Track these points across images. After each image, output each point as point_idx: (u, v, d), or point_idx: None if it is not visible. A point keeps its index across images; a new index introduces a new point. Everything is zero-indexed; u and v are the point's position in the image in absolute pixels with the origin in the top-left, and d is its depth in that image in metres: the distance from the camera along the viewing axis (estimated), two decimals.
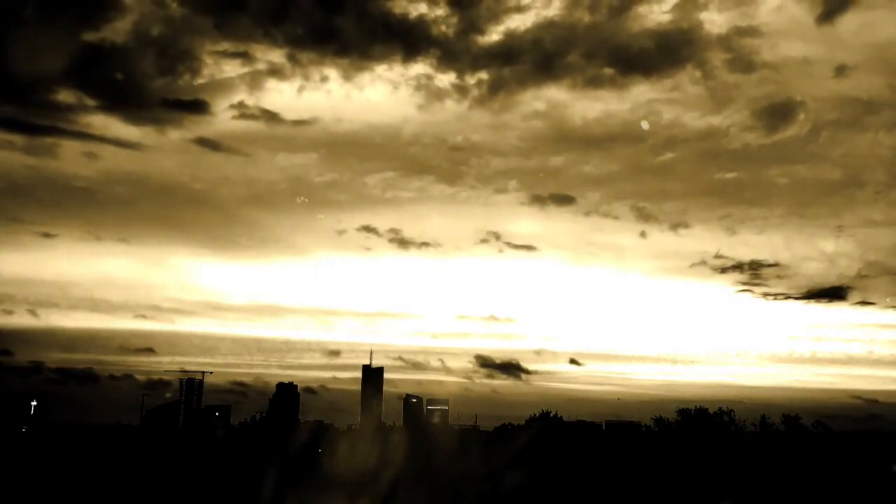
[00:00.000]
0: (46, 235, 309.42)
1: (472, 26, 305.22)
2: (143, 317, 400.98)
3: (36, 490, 58.58)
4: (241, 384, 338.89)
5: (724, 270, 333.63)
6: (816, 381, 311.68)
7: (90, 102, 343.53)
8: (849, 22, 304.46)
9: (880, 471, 63.85)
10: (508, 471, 65.00)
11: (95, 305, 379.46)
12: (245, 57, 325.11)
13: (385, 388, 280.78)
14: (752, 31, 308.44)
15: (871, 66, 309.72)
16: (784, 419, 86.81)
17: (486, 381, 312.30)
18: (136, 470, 74.00)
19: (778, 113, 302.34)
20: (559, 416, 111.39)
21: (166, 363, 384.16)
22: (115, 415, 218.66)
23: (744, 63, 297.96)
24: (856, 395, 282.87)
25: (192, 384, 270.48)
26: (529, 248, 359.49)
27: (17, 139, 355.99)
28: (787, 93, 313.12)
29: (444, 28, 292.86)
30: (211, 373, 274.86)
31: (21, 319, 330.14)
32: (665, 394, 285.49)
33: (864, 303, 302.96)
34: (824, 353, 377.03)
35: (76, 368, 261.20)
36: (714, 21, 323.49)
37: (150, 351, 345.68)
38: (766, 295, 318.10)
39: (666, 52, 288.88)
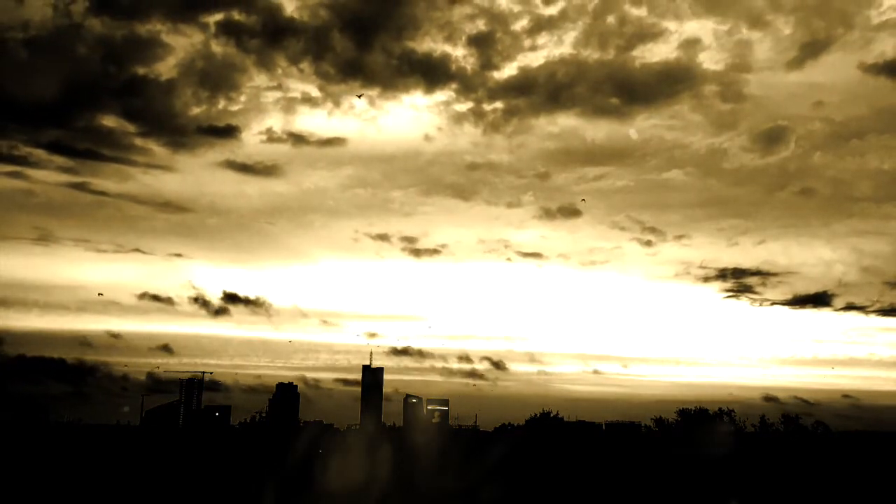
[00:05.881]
0: (75, 246, 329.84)
1: (489, 63, 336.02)
2: (151, 319, 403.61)
3: (37, 489, 58.66)
4: (243, 385, 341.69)
5: (723, 277, 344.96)
6: (817, 382, 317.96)
7: (130, 128, 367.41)
8: (833, 57, 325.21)
9: (879, 470, 63.98)
10: (506, 475, 65.02)
11: (104, 308, 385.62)
12: (279, 90, 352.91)
13: (385, 388, 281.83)
14: (745, 68, 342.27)
15: (857, 96, 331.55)
16: (784, 419, 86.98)
17: (486, 381, 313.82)
18: (135, 470, 74.03)
19: (772, 138, 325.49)
20: (559, 416, 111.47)
21: (172, 364, 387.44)
22: (116, 415, 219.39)
23: (737, 94, 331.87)
24: (854, 395, 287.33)
25: (192, 384, 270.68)
26: (536, 255, 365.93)
27: (59, 160, 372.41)
28: (781, 120, 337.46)
29: (463, 65, 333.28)
30: (211, 373, 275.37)
31: (32, 321, 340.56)
32: (665, 394, 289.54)
33: (854, 307, 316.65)
34: (824, 355, 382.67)
35: (79, 368, 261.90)
36: (712, 59, 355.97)
37: (154, 352, 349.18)
38: (763, 301, 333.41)
39: (666, 85, 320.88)
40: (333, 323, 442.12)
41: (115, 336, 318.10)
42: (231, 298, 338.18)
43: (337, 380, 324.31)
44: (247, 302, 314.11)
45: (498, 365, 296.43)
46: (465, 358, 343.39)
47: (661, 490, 62.29)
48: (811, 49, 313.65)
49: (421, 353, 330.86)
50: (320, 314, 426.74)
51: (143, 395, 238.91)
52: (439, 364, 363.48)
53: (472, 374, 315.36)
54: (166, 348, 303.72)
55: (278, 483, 60.18)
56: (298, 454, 76.41)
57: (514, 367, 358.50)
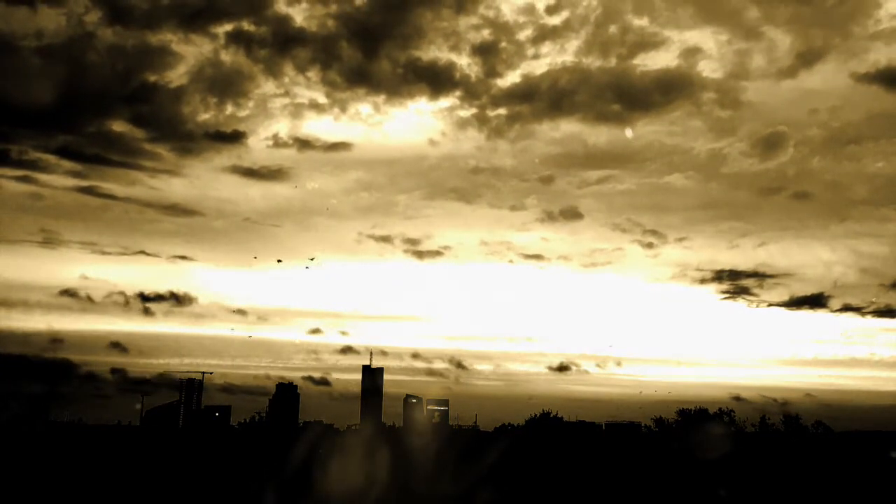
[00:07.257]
0: (81, 249, 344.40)
1: (493, 71, 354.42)
2: (153, 320, 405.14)
3: (37, 490, 58.64)
4: (243, 385, 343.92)
5: (720, 279, 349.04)
6: (817, 382, 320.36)
7: (139, 134, 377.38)
8: (828, 66, 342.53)
9: (879, 469, 63.98)
10: (506, 475, 64.97)
11: (105, 309, 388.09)
12: (287, 96, 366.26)
13: (385, 388, 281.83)
14: (743, 75, 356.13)
15: (852, 103, 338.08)
16: (784, 419, 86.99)
17: (486, 381, 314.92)
18: (135, 470, 74.01)
19: (770, 143, 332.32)
20: (559, 416, 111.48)
21: (174, 364, 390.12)
22: (116, 415, 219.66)
23: (735, 101, 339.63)
24: (853, 394, 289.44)
25: (192, 384, 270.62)
26: (538, 257, 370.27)
27: (68, 164, 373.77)
28: (779, 126, 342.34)
29: (467, 72, 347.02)
30: (211, 373, 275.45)
31: (35, 322, 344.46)
32: (665, 394, 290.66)
33: (851, 309, 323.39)
34: (825, 356, 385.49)
35: (80, 368, 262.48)
36: (711, 67, 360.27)
37: (157, 352, 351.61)
38: (759, 302, 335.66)
39: (666, 92, 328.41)
40: (335, 324, 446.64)
41: (114, 336, 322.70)
42: (235, 299, 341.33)
43: (337, 379, 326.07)
44: (250, 303, 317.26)
45: (498, 365, 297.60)
46: (465, 358, 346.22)
47: (662, 490, 62.26)
48: (807, 58, 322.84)
49: (416, 354, 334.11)
50: (323, 314, 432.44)
51: (143, 396, 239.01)
52: (439, 364, 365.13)
53: (472, 374, 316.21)
54: (163, 349, 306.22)
55: (278, 484, 60.13)
56: (298, 455, 76.35)
57: (513, 367, 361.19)
